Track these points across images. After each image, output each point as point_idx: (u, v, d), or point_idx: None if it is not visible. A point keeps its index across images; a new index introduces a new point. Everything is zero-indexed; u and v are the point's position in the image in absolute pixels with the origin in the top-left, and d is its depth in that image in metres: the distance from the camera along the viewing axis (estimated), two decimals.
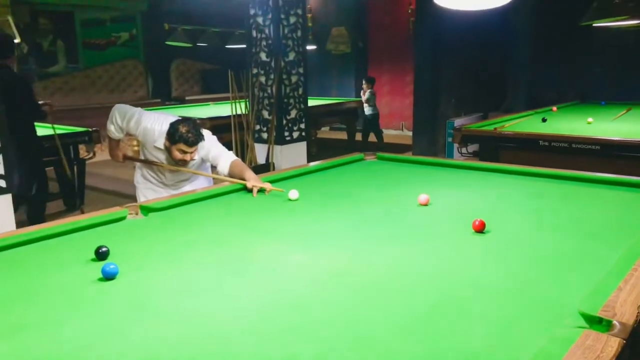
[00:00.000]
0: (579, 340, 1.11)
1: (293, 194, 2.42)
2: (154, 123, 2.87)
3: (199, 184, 3.10)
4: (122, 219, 2.14)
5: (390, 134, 10.06)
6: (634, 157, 3.65)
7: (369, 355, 1.13)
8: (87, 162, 5.53)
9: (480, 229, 1.88)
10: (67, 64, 9.45)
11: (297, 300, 1.40)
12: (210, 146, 2.89)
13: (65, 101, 9.14)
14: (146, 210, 2.22)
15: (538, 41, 7.63)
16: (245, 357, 1.13)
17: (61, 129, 5.26)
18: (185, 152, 2.75)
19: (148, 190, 3.11)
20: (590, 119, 4.84)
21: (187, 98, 10.33)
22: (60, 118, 6.57)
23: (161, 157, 2.94)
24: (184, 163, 2.84)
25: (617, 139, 3.81)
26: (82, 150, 5.52)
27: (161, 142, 2.85)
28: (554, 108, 5.91)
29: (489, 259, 1.69)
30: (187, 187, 3.06)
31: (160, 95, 10.56)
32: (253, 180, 2.60)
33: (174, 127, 2.72)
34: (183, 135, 2.68)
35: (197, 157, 2.86)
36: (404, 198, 2.40)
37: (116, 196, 5.98)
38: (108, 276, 1.54)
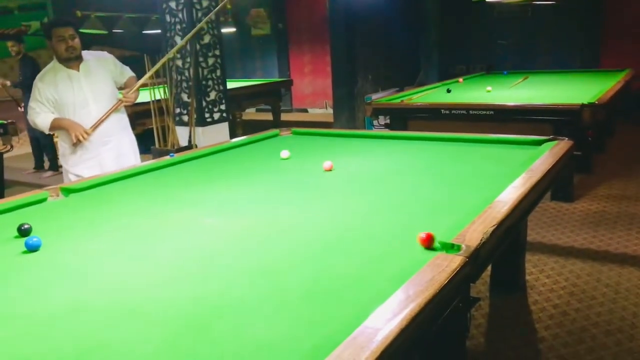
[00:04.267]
0: (431, 260, 1.38)
1: (284, 153, 2.77)
2: (34, 82, 3.20)
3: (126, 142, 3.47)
4: (43, 200, 2.25)
5: (315, 113, 10.32)
6: (525, 120, 4.08)
7: (266, 284, 1.36)
8: (4, 155, 5.42)
9: (427, 241, 1.52)
10: None
11: (205, 252, 1.61)
12: (117, 63, 3.47)
13: None
14: (67, 191, 2.33)
15: (446, 18, 8.08)
16: (161, 302, 1.33)
17: None
18: (64, 38, 3.08)
19: (78, 167, 3.23)
20: (489, 88, 5.27)
21: None
22: None
23: (65, 98, 3.16)
24: (74, 50, 3.15)
25: (509, 104, 4.23)
26: None
27: (46, 76, 3.17)
28: (460, 80, 6.35)
29: (373, 210, 1.96)
30: (114, 144, 3.36)
31: None
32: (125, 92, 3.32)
33: (42, 26, 3.08)
34: (51, 22, 2.97)
35: (89, 57, 3.30)
36: (311, 167, 2.63)
37: (38, 189, 5.88)
38: (31, 248, 1.67)
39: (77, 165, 3.25)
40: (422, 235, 1.52)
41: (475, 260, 1.43)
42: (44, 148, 6.72)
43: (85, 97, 3.22)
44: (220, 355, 1.08)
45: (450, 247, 1.47)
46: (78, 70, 3.24)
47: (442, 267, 1.33)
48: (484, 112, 4.15)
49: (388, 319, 1.12)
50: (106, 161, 3.30)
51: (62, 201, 2.27)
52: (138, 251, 1.67)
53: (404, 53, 8.38)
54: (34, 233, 1.82)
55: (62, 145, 3.32)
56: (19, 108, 6.69)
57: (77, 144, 3.19)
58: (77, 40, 3.17)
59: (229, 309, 1.26)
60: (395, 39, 8.07)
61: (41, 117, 3.16)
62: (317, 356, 1.02)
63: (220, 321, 1.21)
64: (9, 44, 6.55)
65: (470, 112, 4.20)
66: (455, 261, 1.37)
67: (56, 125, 3.21)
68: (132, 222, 1.95)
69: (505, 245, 1.83)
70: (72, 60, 3.19)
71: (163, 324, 1.21)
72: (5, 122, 5.28)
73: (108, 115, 3.28)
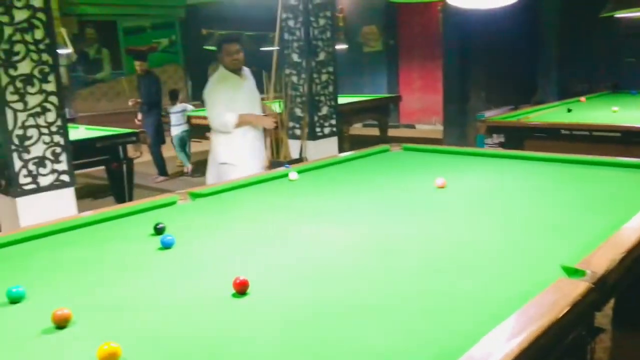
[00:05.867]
0: (553, 284, 1.34)
1: (293, 175, 2.78)
2: (207, 91, 3.70)
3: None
4: (173, 203, 2.46)
5: (423, 129, 10.23)
6: None
7: (383, 295, 1.40)
8: (134, 161, 5.95)
9: (240, 286, 1.45)
10: (111, 71, 10.00)
11: (324, 260, 1.68)
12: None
13: (110, 106, 9.67)
14: (194, 195, 2.53)
15: (566, 33, 7.68)
16: (281, 302, 1.41)
17: (110, 131, 5.69)
18: (232, 52, 3.55)
19: (244, 160, 3.72)
20: (615, 108, 4.93)
21: None
22: (107, 121, 7.06)
23: (237, 100, 3.65)
24: (238, 63, 3.65)
25: (637, 125, 3.93)
26: (130, 150, 5.93)
27: (222, 84, 3.64)
28: (582, 99, 5.99)
29: (489, 229, 1.92)
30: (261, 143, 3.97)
31: (198, 97, 10.97)
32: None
33: (216, 44, 3.70)
34: (222, 37, 3.52)
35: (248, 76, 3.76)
36: (424, 183, 2.63)
37: (161, 192, 6.38)
38: (167, 245, 1.84)
39: (243, 159, 3.72)
40: (237, 280, 1.44)
41: (602, 288, 1.36)
42: (154, 156, 7.24)
43: (248, 98, 3.76)
44: (333, 357, 1.12)
45: (573, 272, 1.42)
46: (241, 77, 3.76)
47: (565, 292, 1.29)
48: (609, 134, 3.89)
49: (507, 339, 1.10)
50: (259, 156, 3.83)
51: (190, 204, 2.46)
52: (259, 253, 1.78)
53: (520, 69, 8.07)
54: (167, 231, 2.00)
55: (228, 142, 3.72)
56: (136, 121, 7.31)
57: (271, 127, 3.89)
58: (241, 54, 3.69)
59: (346, 315, 1.31)
60: (511, 55, 7.80)
61: (227, 116, 3.60)
62: None
63: (337, 325, 1.26)
64: (137, 62, 7.21)
65: (594, 133, 3.96)
66: (579, 287, 1.31)
67: (242, 121, 3.67)
68: (254, 226, 2.08)
69: (633, 276, 1.72)
70: (236, 70, 3.71)
71: (282, 323, 1.28)
72: (137, 130, 5.82)
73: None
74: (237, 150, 3.73)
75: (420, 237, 1.87)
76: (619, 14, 4.65)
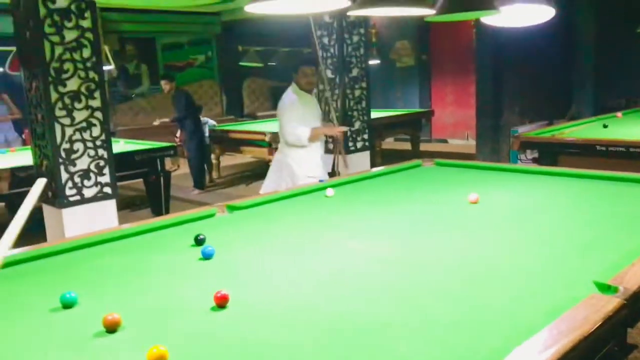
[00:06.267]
0: (585, 299, 1.36)
1: (329, 192, 2.83)
2: (282, 108, 3.94)
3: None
4: (212, 215, 2.55)
5: (455, 144, 10.19)
6: None
7: (411, 309, 1.44)
8: (172, 174, 6.13)
9: (220, 300, 1.51)
10: (150, 86, 10.31)
11: (352, 273, 1.74)
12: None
13: (148, 120, 9.94)
14: (232, 208, 2.62)
15: (602, 48, 7.59)
16: (311, 313, 1.47)
17: (149, 145, 5.88)
18: (307, 75, 3.83)
19: (312, 170, 3.96)
20: None
21: (258, 114, 10.93)
22: (146, 135, 7.28)
23: (308, 116, 3.90)
24: (312, 85, 3.92)
25: None
26: (168, 163, 6.11)
27: (296, 102, 3.85)
28: (619, 114, 5.90)
29: (521, 245, 1.94)
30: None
31: (233, 112, 11.24)
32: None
33: (294, 65, 3.93)
34: (300, 59, 3.86)
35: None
36: (456, 197, 2.66)
37: (198, 205, 6.54)
38: (207, 256, 1.93)
39: (312, 169, 3.97)
40: (218, 294, 1.50)
41: (634, 304, 1.38)
42: (192, 169, 7.39)
43: (317, 115, 4.08)
44: None
45: (606, 289, 1.44)
46: (311, 95, 4.08)
47: (597, 307, 1.31)
48: None
49: (539, 351, 1.14)
50: (325, 166, 4.11)
51: (228, 217, 2.55)
52: (294, 264, 1.84)
53: (554, 84, 7.99)
54: (207, 241, 2.08)
55: (300, 155, 3.96)
56: (175, 138, 7.47)
57: (341, 136, 4.20)
58: (315, 78, 4.04)
59: (374, 328, 1.35)
60: (546, 69, 7.74)
61: (300, 129, 3.87)
62: None
63: (364, 337, 1.30)
64: (163, 82, 7.19)
65: (631, 149, 3.91)
66: (612, 302, 1.34)
67: (314, 134, 3.93)
68: (289, 239, 2.15)
69: None
70: (309, 90, 4.02)
71: (312, 332, 1.34)
72: (174, 144, 5.99)
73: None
74: (308, 162, 4.01)
75: (452, 252, 1.91)
76: None
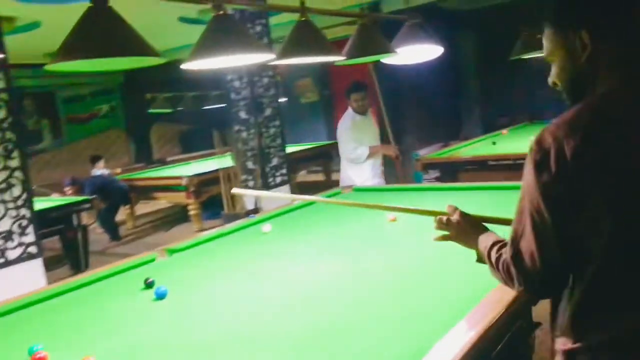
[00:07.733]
0: (494, 288, 1.67)
1: (266, 227, 2.97)
2: (341, 130, 4.48)
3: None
4: (152, 260, 2.65)
5: None
6: None
7: (358, 315, 1.69)
8: (88, 227, 6.00)
9: None
10: (52, 140, 9.97)
11: (296, 298, 1.95)
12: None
13: (53, 175, 9.58)
14: (171, 251, 2.73)
15: (483, 74, 8.47)
16: (271, 333, 1.67)
17: (63, 200, 5.75)
18: (358, 99, 4.35)
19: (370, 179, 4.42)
20: (532, 138, 5.52)
21: (168, 159, 10.86)
22: (55, 190, 7.06)
23: (364, 136, 4.41)
24: (363, 108, 4.43)
25: None
26: (84, 218, 5.99)
27: (353, 124, 4.38)
28: (504, 131, 6.62)
29: (441, 251, 2.25)
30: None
31: (142, 159, 11.08)
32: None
33: (347, 93, 4.48)
34: (350, 87, 4.33)
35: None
36: (376, 218, 2.97)
37: (118, 257, 6.40)
38: (161, 296, 2.05)
39: (369, 180, 4.39)
40: (37, 355, 1.56)
41: None
42: (102, 224, 7.20)
43: (373, 134, 4.53)
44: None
45: None
46: (366, 117, 4.54)
47: (506, 291, 1.62)
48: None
49: (465, 331, 1.42)
50: (380, 181, 4.52)
51: (168, 260, 2.66)
52: (245, 294, 2.03)
53: (445, 110, 8.76)
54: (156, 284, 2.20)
55: (360, 172, 4.40)
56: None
57: (399, 155, 4.66)
58: (366, 101, 4.50)
59: (325, 337, 1.59)
60: (438, 97, 8.49)
61: (360, 150, 4.34)
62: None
63: (319, 343, 1.53)
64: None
65: (517, 162, 4.46)
66: None
67: (372, 152, 4.38)
68: (235, 273, 2.32)
69: None
70: (363, 112, 4.49)
71: (273, 350, 1.54)
72: (89, 197, 5.89)
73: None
74: (367, 178, 4.45)
75: (375, 268, 2.19)
76: (527, 56, 5.29)
